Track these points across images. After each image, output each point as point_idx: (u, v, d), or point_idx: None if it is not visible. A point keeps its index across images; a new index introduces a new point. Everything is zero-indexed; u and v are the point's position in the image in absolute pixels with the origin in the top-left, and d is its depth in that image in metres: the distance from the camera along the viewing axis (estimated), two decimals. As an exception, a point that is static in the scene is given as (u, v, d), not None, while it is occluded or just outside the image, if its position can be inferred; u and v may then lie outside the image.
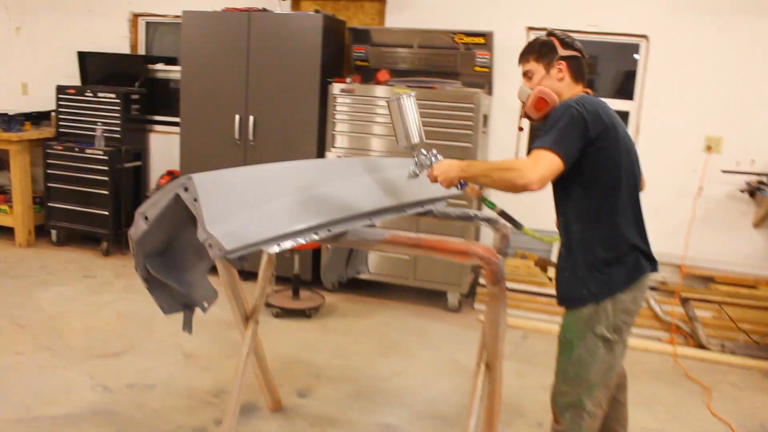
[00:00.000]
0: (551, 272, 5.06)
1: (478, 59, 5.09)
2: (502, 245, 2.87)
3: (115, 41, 6.33)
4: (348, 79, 5.12)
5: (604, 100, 2.37)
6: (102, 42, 6.32)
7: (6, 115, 5.91)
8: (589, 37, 5.14)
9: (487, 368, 2.68)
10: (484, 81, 5.19)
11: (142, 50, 6.42)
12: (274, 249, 2.01)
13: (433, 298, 5.27)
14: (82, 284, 5.16)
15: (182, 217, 2.04)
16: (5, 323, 4.32)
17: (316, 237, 2.16)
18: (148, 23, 6.41)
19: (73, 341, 4.11)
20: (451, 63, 5.22)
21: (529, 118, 2.50)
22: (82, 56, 6.22)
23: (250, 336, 2.93)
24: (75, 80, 6.32)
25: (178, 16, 5.62)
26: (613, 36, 5.13)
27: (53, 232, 6.12)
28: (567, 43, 2.41)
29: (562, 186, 2.31)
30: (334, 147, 5.13)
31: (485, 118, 4.97)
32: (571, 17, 5.11)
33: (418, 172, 2.46)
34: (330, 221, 2.23)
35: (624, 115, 5.20)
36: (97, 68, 6.25)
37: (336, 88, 5.06)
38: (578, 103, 2.20)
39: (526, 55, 2.46)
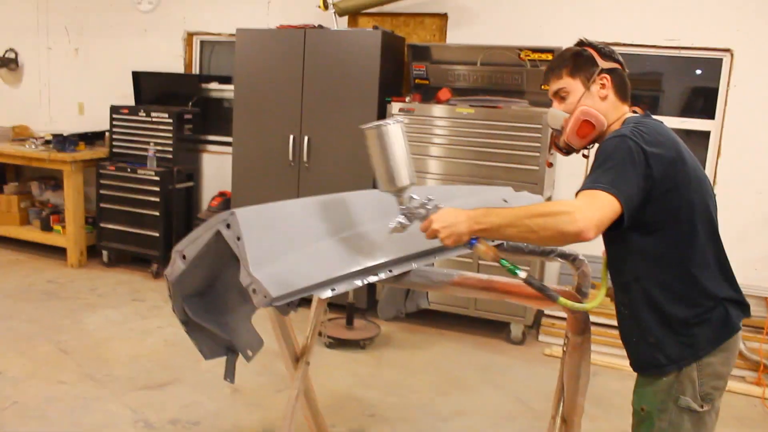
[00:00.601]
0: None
1: (546, 76, 4.78)
2: (581, 284, 2.56)
3: (170, 60, 6.25)
4: (407, 98, 4.88)
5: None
6: (157, 61, 6.26)
7: (60, 135, 5.87)
8: (652, 51, 4.81)
9: (563, 422, 2.38)
10: (552, 100, 4.87)
11: (196, 69, 6.32)
12: (327, 294, 1.76)
13: (495, 328, 4.95)
14: (130, 308, 5.02)
15: (224, 256, 1.81)
16: (51, 349, 4.19)
17: (375, 279, 1.90)
18: (202, 42, 6.31)
19: (118, 370, 3.95)
20: (516, 81, 4.93)
21: (564, 149, 2.07)
22: (137, 76, 6.15)
23: (300, 378, 2.68)
24: (130, 100, 6.26)
25: (232, 35, 5.48)
26: (693, 51, 4.76)
27: (104, 253, 6.03)
28: (606, 54, 1.99)
29: (617, 237, 1.86)
30: (391, 169, 4.88)
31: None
32: (645, 31, 4.77)
33: (406, 223, 1.86)
34: (390, 260, 1.97)
35: (704, 135, 4.82)
36: (151, 88, 6.18)
37: (395, 107, 4.82)
38: (635, 134, 1.76)
39: (557, 70, 2.00)
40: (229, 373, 2.05)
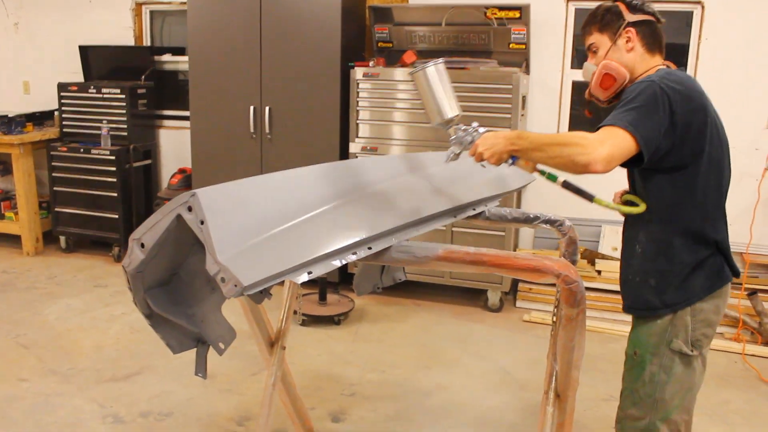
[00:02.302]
0: (599, 265, 4.62)
1: (514, 35, 4.62)
2: (568, 251, 2.44)
3: (119, 33, 5.93)
4: (371, 63, 4.69)
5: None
6: (105, 34, 5.93)
7: (5, 117, 5.54)
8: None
9: (557, 397, 2.27)
10: (521, 59, 4.72)
11: (147, 41, 6.01)
12: (304, 278, 1.60)
13: (471, 296, 4.86)
14: (92, 295, 4.80)
15: (187, 242, 1.64)
16: (10, 344, 3.96)
17: (354, 258, 1.75)
18: (152, 12, 6.00)
19: (82, 363, 3.75)
20: (483, 40, 4.76)
21: (596, 100, 2.14)
22: (84, 50, 5.83)
23: (276, 364, 2.53)
24: (79, 76, 5.93)
25: (183, 2, 5.21)
26: (663, 4, 4.63)
27: (62, 239, 5.77)
28: (635, 7, 2.04)
29: (637, 177, 1.99)
30: (358, 137, 4.71)
31: (524, 99, 4.52)
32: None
33: (458, 151, 2.05)
34: (369, 237, 1.81)
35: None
36: (100, 63, 5.86)
37: (358, 72, 4.63)
38: (663, 80, 1.84)
39: (587, 26, 2.11)
40: (201, 368, 1.89)
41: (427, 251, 1.84)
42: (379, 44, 5.05)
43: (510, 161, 1.95)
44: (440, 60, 2.08)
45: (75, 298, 4.75)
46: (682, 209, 1.93)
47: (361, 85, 4.64)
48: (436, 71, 2.05)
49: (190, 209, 1.53)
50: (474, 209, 2.36)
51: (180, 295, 1.79)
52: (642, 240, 2.01)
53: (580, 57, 4.90)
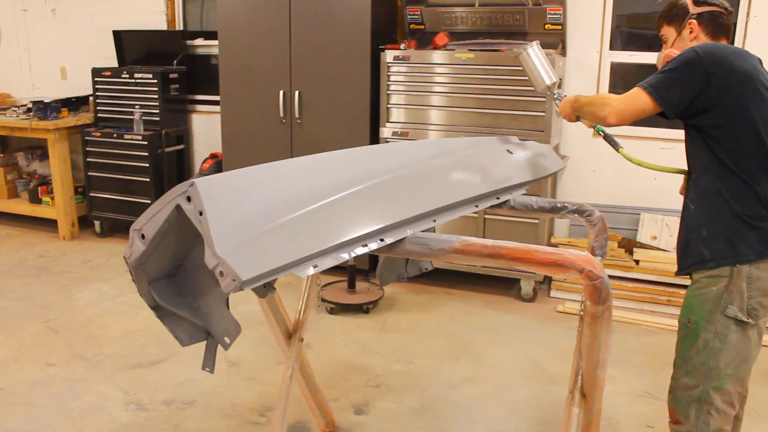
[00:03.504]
0: (638, 254, 4.45)
1: (549, 15, 4.46)
2: (597, 242, 2.32)
3: (152, 17, 5.92)
4: (402, 45, 4.58)
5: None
6: (138, 19, 5.93)
7: (41, 102, 5.59)
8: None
9: (582, 397, 2.17)
10: (557, 40, 4.56)
11: (180, 25, 5.99)
12: (309, 272, 1.52)
13: (504, 285, 4.74)
14: (123, 280, 4.82)
15: (189, 233, 1.57)
16: (41, 329, 4.00)
17: (365, 250, 1.66)
18: (185, -4, 5.98)
19: (110, 348, 3.76)
20: (518, 21, 4.60)
21: None
22: (118, 35, 5.83)
23: (294, 356, 2.47)
24: (113, 61, 5.95)
25: (215, -14, 5.16)
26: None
27: (96, 223, 5.82)
28: (699, 1, 2.23)
29: (689, 135, 2.15)
30: (389, 122, 4.61)
31: (559, 82, 4.36)
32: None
33: (558, 110, 2.57)
34: (382, 227, 1.72)
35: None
36: (133, 47, 5.86)
37: (389, 55, 4.52)
38: (703, 48, 2.02)
39: (659, 21, 2.35)
40: (209, 362, 1.83)
41: (442, 243, 1.74)
42: (411, 26, 4.93)
43: (578, 119, 2.39)
44: (535, 42, 2.67)
45: (107, 282, 4.77)
46: (726, 163, 2.03)
47: (392, 69, 4.53)
48: (533, 51, 2.63)
49: (189, 199, 1.46)
50: (498, 198, 2.25)
51: (185, 288, 1.74)
52: (693, 197, 2.14)
53: (623, 38, 4.71)
